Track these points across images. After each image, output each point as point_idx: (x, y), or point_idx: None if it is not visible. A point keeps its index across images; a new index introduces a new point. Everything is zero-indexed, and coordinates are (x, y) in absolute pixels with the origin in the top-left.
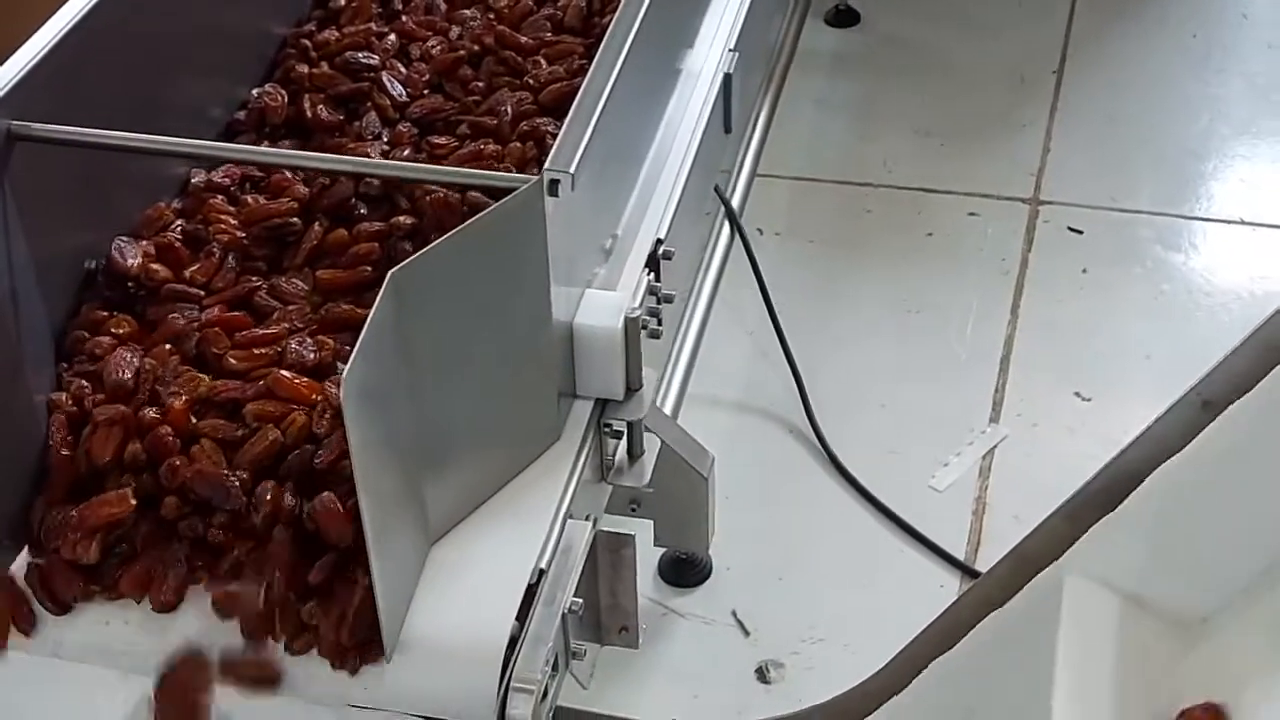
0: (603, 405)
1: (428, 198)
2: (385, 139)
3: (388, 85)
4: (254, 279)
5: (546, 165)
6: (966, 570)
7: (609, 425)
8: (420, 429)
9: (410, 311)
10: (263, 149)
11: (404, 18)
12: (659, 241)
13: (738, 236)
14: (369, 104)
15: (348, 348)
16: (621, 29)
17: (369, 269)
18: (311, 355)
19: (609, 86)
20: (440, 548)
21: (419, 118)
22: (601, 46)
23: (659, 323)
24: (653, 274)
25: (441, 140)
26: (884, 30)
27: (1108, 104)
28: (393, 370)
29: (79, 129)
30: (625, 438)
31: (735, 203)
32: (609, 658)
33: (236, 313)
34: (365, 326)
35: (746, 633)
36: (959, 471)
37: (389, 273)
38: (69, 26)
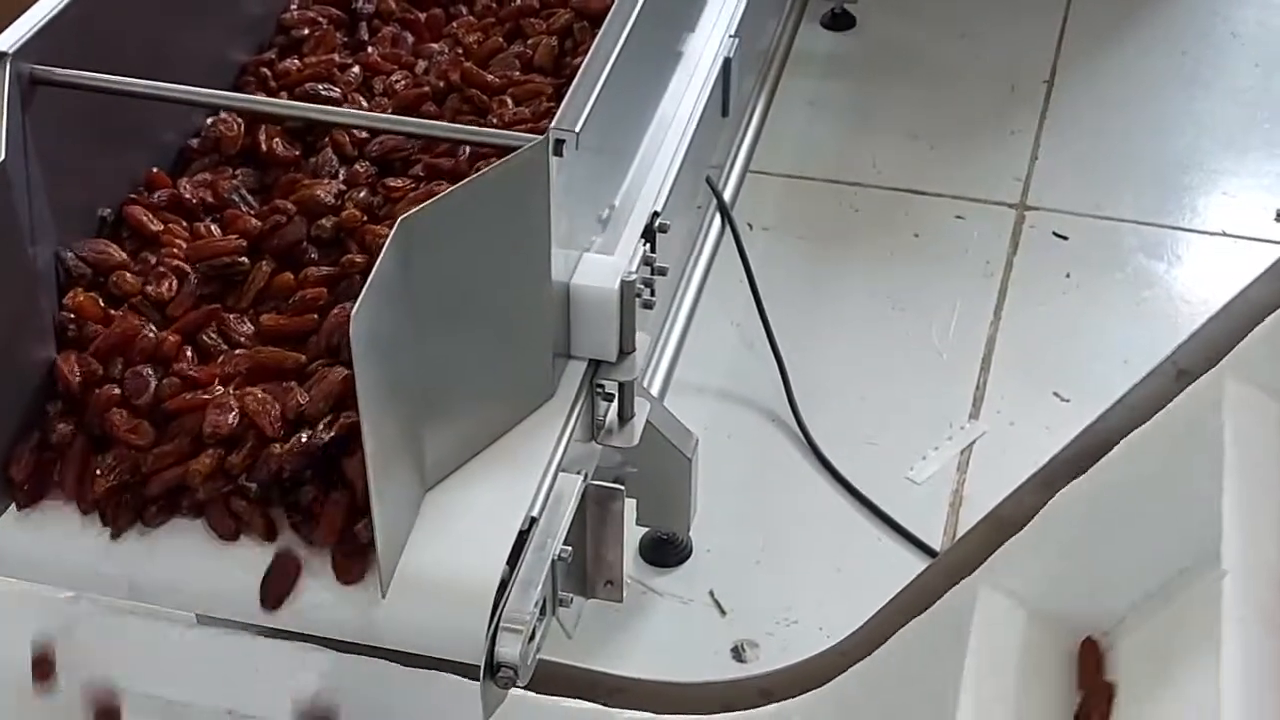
0: (596, 366)
1: (379, 241)
2: (342, 177)
3: None
4: (215, 303)
5: (552, 125)
6: None
7: (601, 386)
8: (421, 376)
9: (416, 260)
10: (275, 100)
11: (370, 49)
12: (655, 214)
13: (728, 229)
14: (327, 139)
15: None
16: (627, 3)
17: (315, 316)
18: (232, 419)
19: (615, 54)
20: (436, 494)
21: (377, 156)
22: (608, 18)
23: (652, 293)
24: (648, 245)
25: (397, 183)
26: (879, 35)
27: (1097, 115)
28: (397, 315)
29: (99, 75)
30: (616, 400)
31: (727, 196)
32: (586, 633)
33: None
34: (373, 271)
35: (723, 613)
36: (937, 465)
37: (399, 219)
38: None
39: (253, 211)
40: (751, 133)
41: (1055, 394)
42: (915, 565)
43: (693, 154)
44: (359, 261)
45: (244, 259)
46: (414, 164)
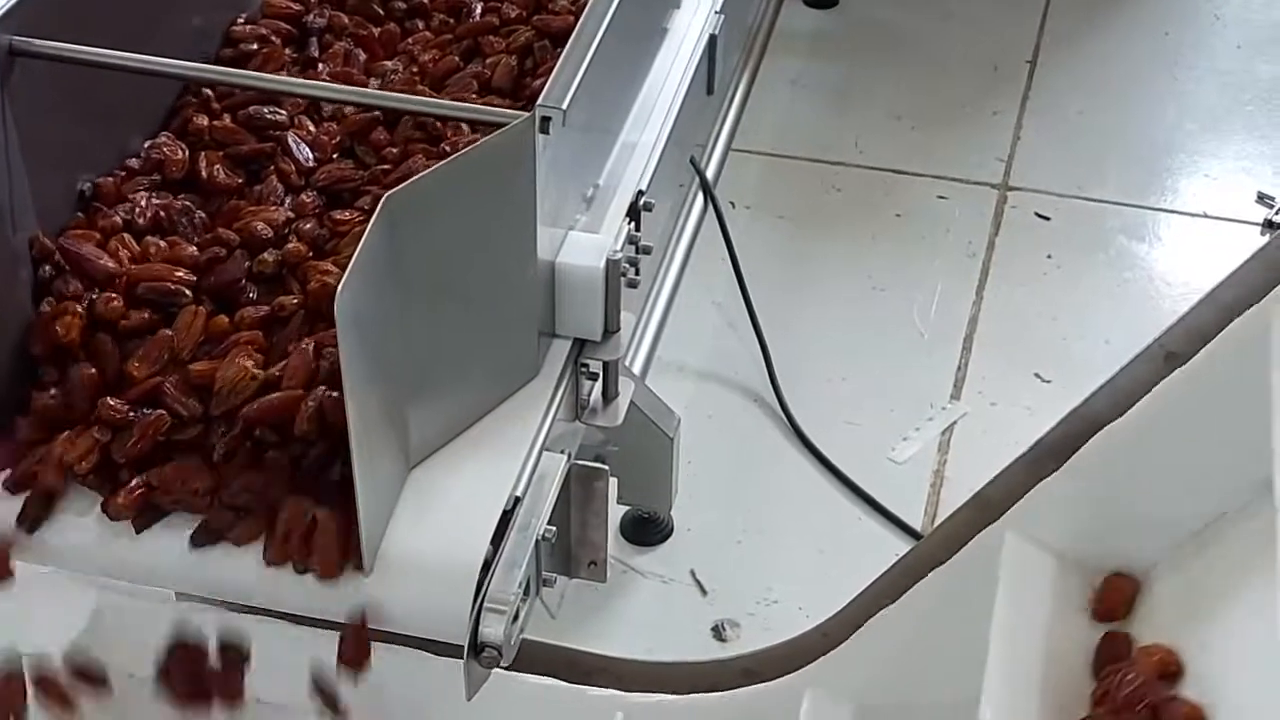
0: (580, 345)
1: (323, 278)
2: (288, 206)
3: (293, 148)
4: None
5: (539, 102)
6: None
7: (585, 365)
8: (405, 354)
9: (401, 237)
10: (262, 75)
11: (320, 65)
12: (640, 193)
13: (710, 208)
14: (272, 168)
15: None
16: None
17: None
18: None
19: (602, 30)
20: (420, 472)
21: (324, 186)
22: None
23: (637, 272)
24: (633, 223)
25: (345, 215)
26: (862, 14)
27: (1079, 96)
28: (383, 293)
29: (79, 47)
30: (601, 379)
31: (710, 175)
32: (567, 612)
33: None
34: (358, 249)
35: (704, 592)
36: (919, 445)
37: (384, 195)
38: None
39: (195, 240)
40: (734, 111)
41: (1036, 375)
42: (896, 545)
43: (678, 132)
44: (290, 305)
45: (188, 291)
46: (363, 195)
